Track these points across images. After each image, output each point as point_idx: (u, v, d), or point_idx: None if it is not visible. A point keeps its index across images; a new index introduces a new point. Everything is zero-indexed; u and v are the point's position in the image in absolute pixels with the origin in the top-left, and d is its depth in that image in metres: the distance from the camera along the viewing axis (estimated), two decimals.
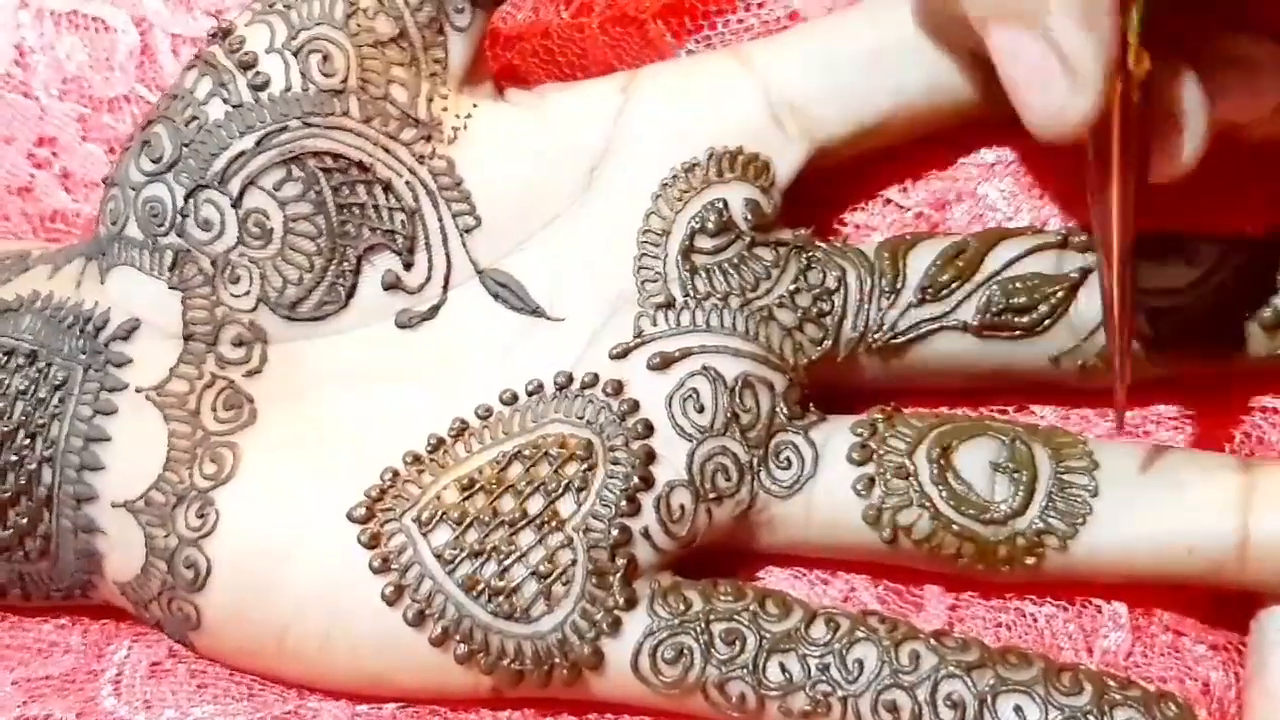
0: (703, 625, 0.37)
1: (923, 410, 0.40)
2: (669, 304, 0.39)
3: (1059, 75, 0.33)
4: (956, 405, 0.41)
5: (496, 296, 0.40)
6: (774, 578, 0.41)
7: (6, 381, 0.39)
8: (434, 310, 0.40)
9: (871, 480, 0.38)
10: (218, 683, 0.40)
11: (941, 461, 0.37)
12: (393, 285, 0.39)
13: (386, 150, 0.39)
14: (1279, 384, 0.41)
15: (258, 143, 0.38)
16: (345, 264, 0.39)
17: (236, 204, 0.38)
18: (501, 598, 0.37)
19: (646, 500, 0.37)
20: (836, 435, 0.39)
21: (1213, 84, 0.35)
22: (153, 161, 0.39)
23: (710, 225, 0.39)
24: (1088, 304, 0.38)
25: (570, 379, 0.39)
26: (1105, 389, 0.38)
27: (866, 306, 0.39)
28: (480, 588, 0.37)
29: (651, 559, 0.38)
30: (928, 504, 0.37)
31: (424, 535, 0.37)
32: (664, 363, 0.38)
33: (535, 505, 0.37)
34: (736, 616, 0.37)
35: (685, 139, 0.40)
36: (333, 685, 0.39)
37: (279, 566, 0.38)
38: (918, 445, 0.38)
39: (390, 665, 0.38)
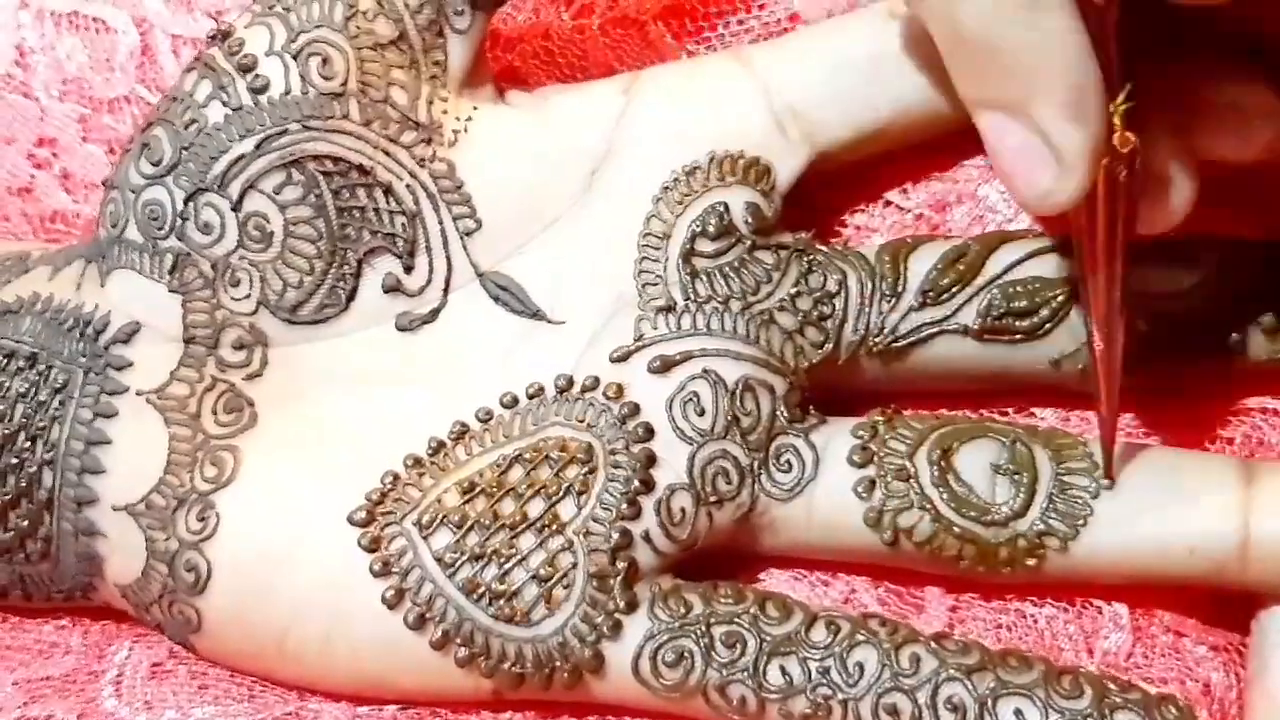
0: (703, 628, 0.37)
1: (923, 412, 0.40)
2: (670, 307, 0.39)
3: (1046, 161, 0.33)
4: (957, 407, 0.41)
5: (497, 299, 0.40)
6: (774, 579, 0.40)
7: (7, 384, 0.39)
8: (434, 313, 0.40)
9: (872, 482, 0.38)
10: (218, 684, 0.40)
11: (942, 463, 0.37)
12: (393, 288, 0.39)
13: (387, 153, 0.39)
14: (1279, 385, 0.41)
15: (258, 146, 0.38)
16: (345, 267, 0.39)
17: (236, 207, 0.38)
18: (502, 601, 0.37)
19: (647, 503, 0.37)
20: (837, 438, 0.39)
21: (1202, 129, 0.35)
22: (152, 164, 0.39)
23: (711, 229, 0.39)
24: None
25: (571, 382, 0.39)
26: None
27: (867, 310, 0.39)
28: (481, 591, 0.37)
29: (652, 562, 0.38)
30: (929, 506, 0.37)
31: (424, 538, 0.37)
32: (665, 366, 0.38)
33: (536, 508, 0.37)
34: (737, 619, 0.37)
35: (686, 142, 0.40)
36: (333, 688, 0.39)
37: (279, 569, 0.38)
38: (918, 447, 0.38)
39: (391, 668, 0.38)
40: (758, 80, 0.40)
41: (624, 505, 0.37)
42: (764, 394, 0.39)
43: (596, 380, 0.39)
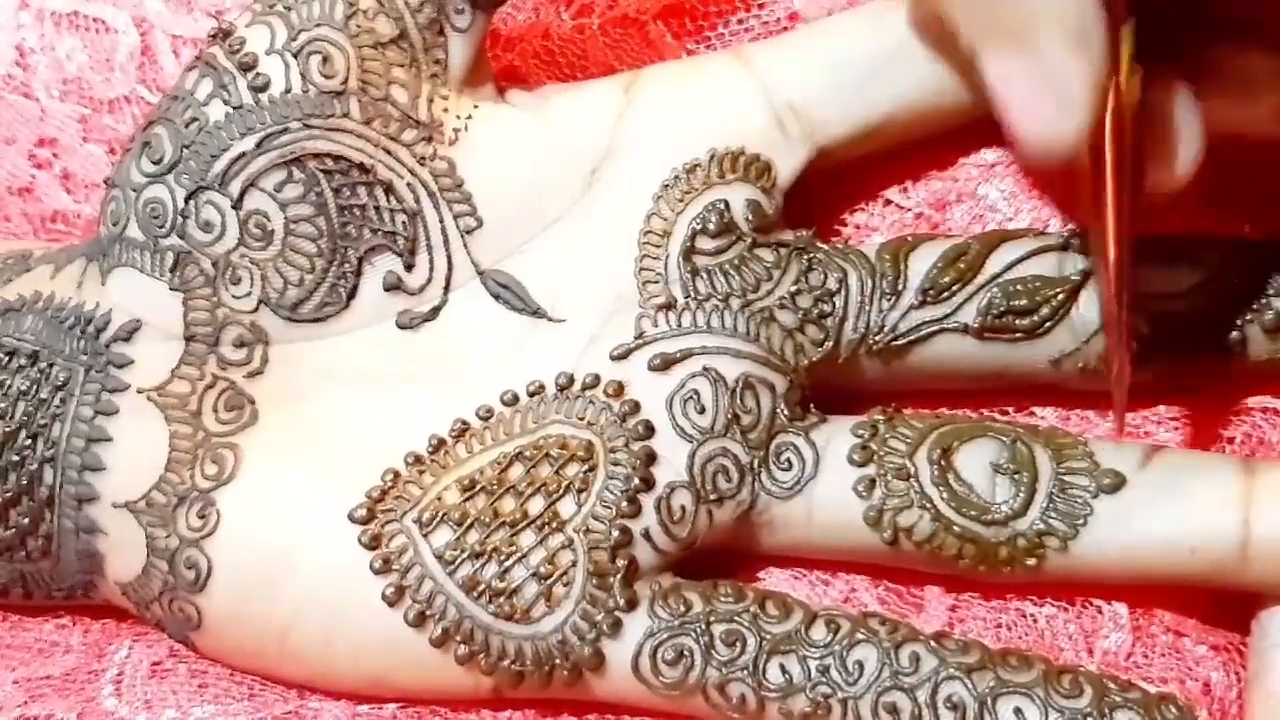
0: (703, 626, 0.37)
1: (924, 411, 0.40)
2: (670, 305, 0.39)
3: (1049, 97, 0.33)
4: (957, 406, 0.41)
5: (498, 297, 0.40)
6: (774, 578, 0.41)
7: (8, 382, 0.39)
8: (435, 311, 0.40)
9: (872, 481, 0.38)
10: (219, 683, 0.40)
11: (942, 463, 0.37)
12: (394, 286, 0.39)
13: (387, 151, 0.39)
14: (1279, 385, 0.41)
15: (258, 144, 0.38)
16: (346, 265, 0.39)
17: (237, 205, 0.38)
18: (502, 599, 0.37)
19: (647, 501, 0.37)
20: (837, 436, 0.39)
21: (1208, 94, 0.35)
22: (153, 163, 0.39)
23: (711, 226, 0.39)
24: (1088, 306, 0.38)
25: (571, 380, 0.39)
26: (1106, 390, 0.38)
27: (868, 308, 0.39)
28: (481, 589, 0.37)
29: (652, 560, 0.38)
30: (928, 505, 0.37)
31: (425, 536, 0.37)
32: (665, 364, 0.38)
33: (536, 506, 0.37)
34: (737, 618, 0.37)
35: (687, 140, 0.40)
36: (333, 686, 0.39)
37: (280, 567, 0.38)
38: (918, 446, 0.38)
39: (391, 666, 0.38)
40: (758, 78, 0.40)
41: (624, 503, 0.37)
42: (764, 392, 0.39)
43: (597, 378, 0.39)
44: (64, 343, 0.39)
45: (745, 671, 0.36)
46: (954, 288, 0.39)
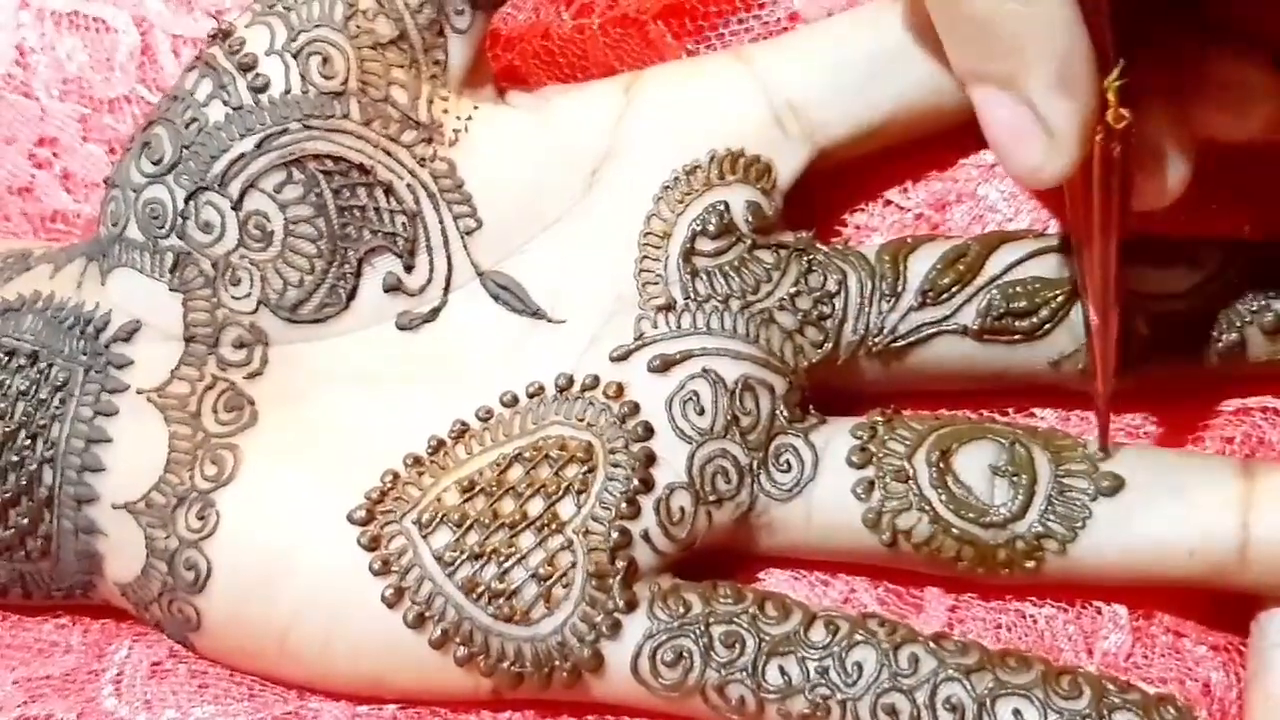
0: (702, 628, 0.37)
1: (923, 412, 0.40)
2: (669, 306, 0.39)
3: (1037, 136, 0.33)
4: (957, 407, 0.41)
5: (497, 298, 0.40)
6: (774, 579, 0.40)
7: (8, 382, 0.39)
8: (435, 312, 0.40)
9: (871, 484, 0.38)
10: (218, 683, 0.40)
11: (941, 465, 0.37)
12: (393, 287, 0.39)
13: (387, 152, 0.39)
14: (1279, 384, 0.40)
15: (258, 145, 0.38)
16: (346, 266, 0.39)
17: (237, 206, 0.38)
18: (501, 600, 0.37)
19: (646, 503, 0.37)
20: (836, 438, 0.39)
21: (1201, 103, 0.35)
22: (153, 163, 0.39)
23: (711, 227, 0.39)
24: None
25: (571, 381, 0.39)
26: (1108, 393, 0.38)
27: (867, 310, 0.39)
28: (480, 590, 0.37)
29: (651, 561, 0.38)
30: (927, 508, 0.37)
31: (424, 537, 0.37)
32: (664, 365, 0.38)
33: (535, 507, 0.37)
34: (736, 619, 0.37)
35: (687, 141, 0.40)
36: (333, 687, 0.39)
37: (279, 568, 0.38)
38: (917, 448, 0.38)
39: (390, 667, 0.38)
40: (758, 79, 0.40)
41: (623, 504, 0.37)
42: (764, 393, 0.39)
43: (596, 379, 0.39)
44: (64, 343, 0.39)
45: (744, 673, 0.36)
46: (953, 289, 0.39)
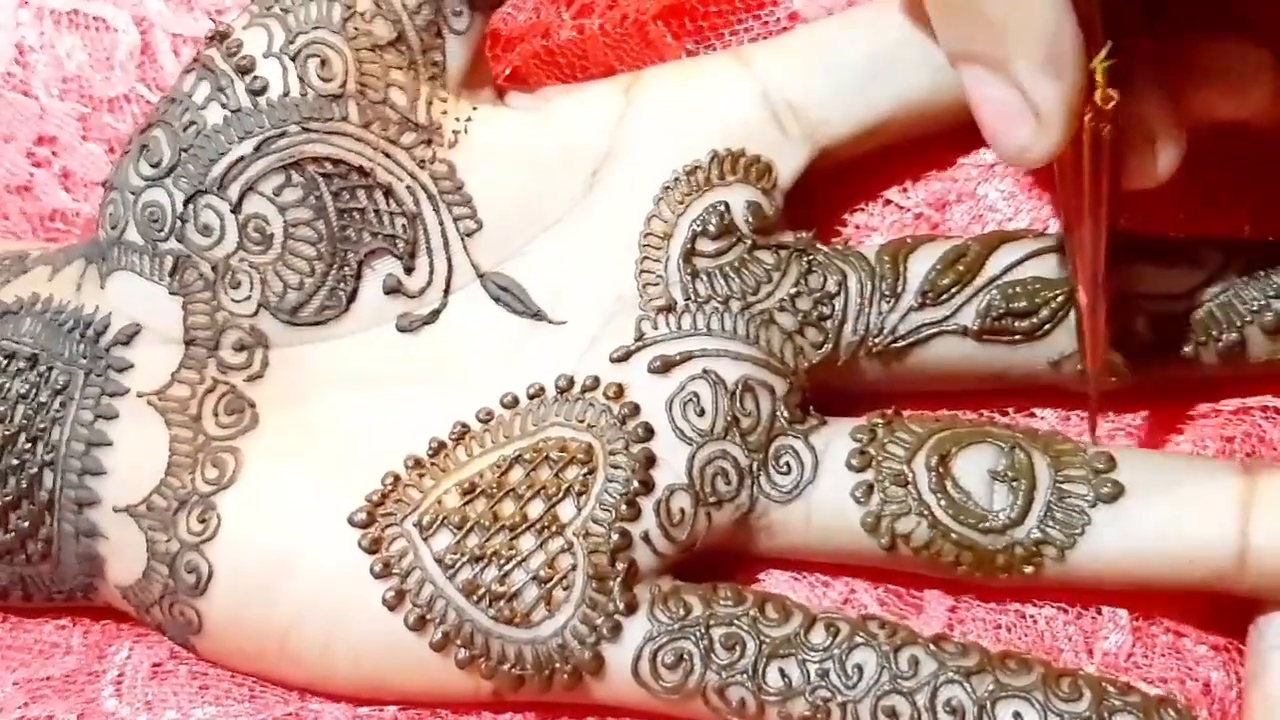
0: (703, 630, 0.37)
1: (924, 413, 0.40)
2: (670, 307, 0.39)
3: (1025, 117, 0.33)
4: (957, 407, 0.41)
5: (498, 300, 0.40)
6: (774, 580, 0.41)
7: (7, 385, 0.39)
8: (435, 314, 0.40)
9: (870, 487, 0.38)
10: (219, 684, 0.40)
11: (940, 469, 0.37)
12: (394, 289, 0.39)
13: (386, 155, 0.39)
14: (1279, 385, 0.40)
15: (257, 148, 0.38)
16: (346, 268, 0.39)
17: (236, 209, 0.38)
18: (502, 602, 0.37)
19: (646, 504, 0.37)
20: (836, 440, 0.39)
21: (1196, 85, 0.35)
22: (151, 166, 0.39)
23: (712, 228, 0.39)
24: None
25: (571, 382, 0.39)
26: (1106, 390, 0.38)
27: (867, 310, 0.39)
28: (481, 592, 0.37)
29: (651, 563, 0.38)
30: (926, 512, 0.37)
31: (425, 540, 0.37)
32: (665, 366, 0.38)
33: (536, 509, 0.37)
34: (736, 621, 0.37)
35: (687, 141, 0.40)
36: (334, 689, 0.39)
37: (280, 571, 0.38)
38: (916, 452, 0.38)
39: (391, 670, 0.38)
40: (758, 79, 0.40)
41: (623, 506, 0.37)
42: (764, 394, 0.39)
43: (597, 380, 0.39)
44: (63, 346, 0.39)
45: (745, 675, 0.36)
46: (953, 290, 0.39)
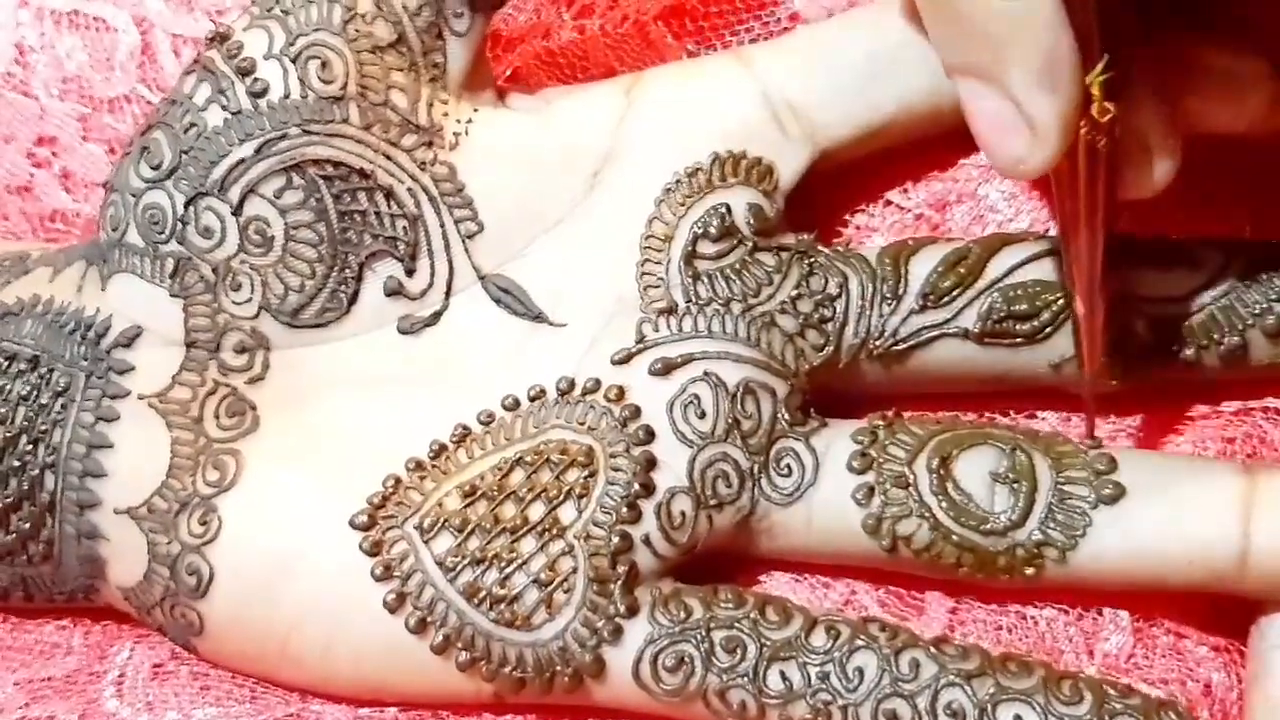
0: (703, 633, 0.37)
1: (925, 415, 0.40)
2: (671, 309, 0.39)
3: (1020, 129, 0.33)
4: (959, 409, 0.41)
5: (499, 302, 0.40)
6: (775, 581, 0.41)
7: (8, 387, 0.39)
8: (436, 316, 0.40)
9: (871, 489, 0.38)
10: (220, 685, 0.40)
11: (941, 471, 0.37)
12: (395, 291, 0.39)
13: (387, 157, 0.39)
14: (1279, 385, 0.40)
15: (257, 150, 0.38)
16: (347, 271, 0.39)
17: (237, 211, 0.38)
18: (503, 605, 0.37)
19: (647, 507, 0.37)
20: (837, 442, 0.39)
21: (1193, 92, 0.35)
22: (152, 168, 0.39)
23: (713, 230, 0.39)
24: None
25: (572, 384, 0.39)
26: (1106, 393, 0.38)
27: (868, 313, 0.39)
28: (482, 595, 0.37)
29: (652, 566, 0.38)
30: (927, 514, 0.37)
31: (426, 542, 0.37)
32: (666, 368, 0.38)
33: (536, 512, 0.37)
34: (737, 624, 0.37)
35: (688, 143, 0.40)
36: (334, 691, 0.39)
37: (281, 573, 0.38)
38: (917, 454, 0.38)
39: (392, 672, 0.38)
40: (759, 80, 0.40)
41: (624, 508, 0.37)
42: (765, 397, 0.39)
43: (598, 382, 0.39)
44: (64, 348, 0.39)
45: (745, 678, 0.36)
46: (954, 292, 0.39)
